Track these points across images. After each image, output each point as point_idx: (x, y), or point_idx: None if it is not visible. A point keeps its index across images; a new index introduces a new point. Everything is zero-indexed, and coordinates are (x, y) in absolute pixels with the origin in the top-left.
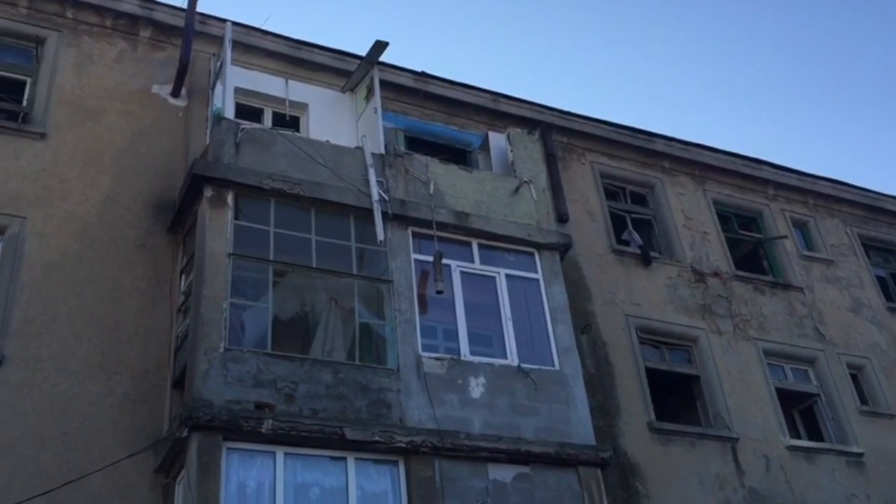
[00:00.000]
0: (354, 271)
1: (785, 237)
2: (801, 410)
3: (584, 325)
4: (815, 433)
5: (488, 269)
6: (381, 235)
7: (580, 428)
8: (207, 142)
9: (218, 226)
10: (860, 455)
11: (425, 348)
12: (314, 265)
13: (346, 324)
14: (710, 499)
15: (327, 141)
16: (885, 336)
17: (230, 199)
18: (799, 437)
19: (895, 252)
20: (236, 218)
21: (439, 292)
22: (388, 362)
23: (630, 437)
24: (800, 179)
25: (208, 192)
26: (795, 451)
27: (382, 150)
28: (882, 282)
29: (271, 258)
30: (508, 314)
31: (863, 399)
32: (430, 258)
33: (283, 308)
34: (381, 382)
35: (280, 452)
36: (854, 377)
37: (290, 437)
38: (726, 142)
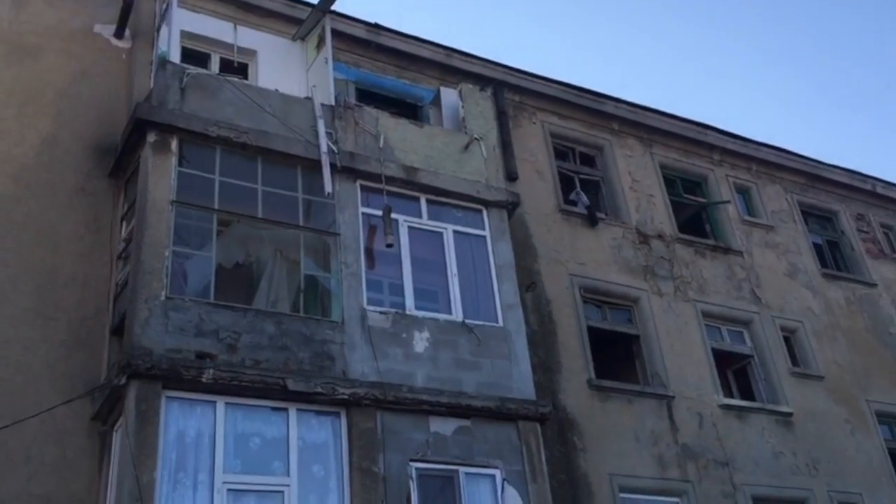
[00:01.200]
0: (301, 223)
1: (728, 202)
2: (735, 371)
3: (529, 282)
4: (747, 393)
5: (436, 225)
6: (328, 187)
7: (521, 383)
8: (151, 86)
9: (161, 172)
10: (789, 415)
11: (370, 302)
12: (260, 215)
13: (291, 275)
14: (644, 454)
15: (276, 90)
16: (818, 301)
17: (174, 145)
18: (732, 396)
19: (832, 220)
20: (180, 165)
21: (389, 246)
22: (332, 315)
23: (570, 393)
24: (744, 146)
25: (151, 138)
26: (728, 410)
27: (332, 102)
28: (818, 248)
29: (216, 207)
30: (454, 270)
31: (794, 361)
32: (378, 212)
33: (227, 258)
34: (325, 335)
35: (221, 402)
36: (787, 340)
37: (232, 388)
38: (675, 106)
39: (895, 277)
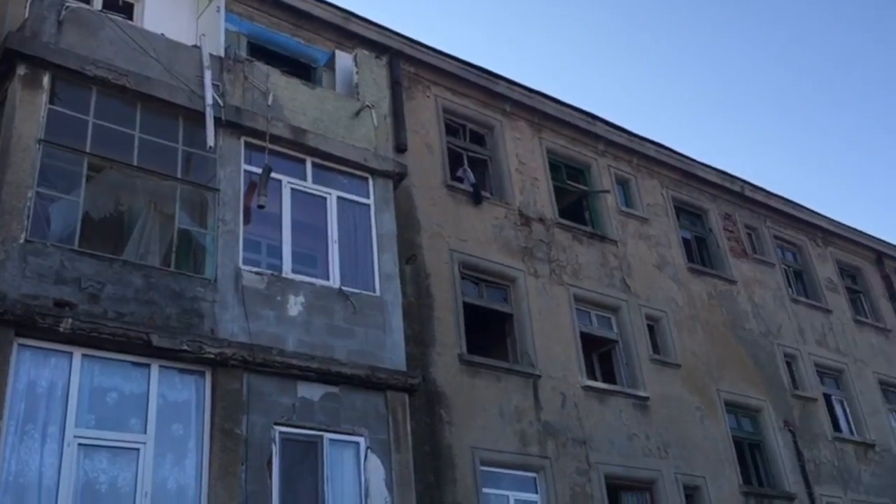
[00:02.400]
0: (179, 175)
1: (607, 192)
2: (600, 354)
3: (409, 255)
4: (609, 376)
5: (320, 189)
6: (211, 141)
7: (393, 353)
8: (26, 16)
9: (29, 108)
10: (646, 399)
11: (246, 262)
12: (135, 163)
13: (164, 228)
14: (507, 429)
15: (162, 34)
16: (682, 293)
17: (46, 80)
18: (595, 379)
19: (702, 217)
20: (51, 102)
21: (261, 206)
22: (205, 272)
23: (440, 367)
24: (628, 139)
25: (21, 70)
26: (589, 391)
27: (222, 53)
28: (687, 243)
29: (87, 150)
30: (335, 236)
31: (655, 348)
32: (261, 170)
33: (96, 205)
34: (196, 292)
35: (78, 354)
36: (651, 328)
37: (91, 339)
38: (566, 94)
39: (753, 276)
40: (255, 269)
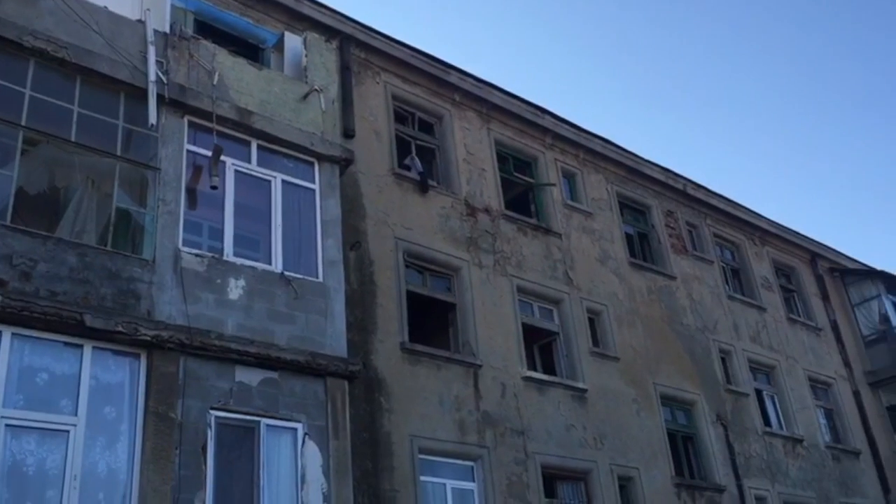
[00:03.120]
0: (118, 152)
1: (553, 185)
2: (540, 346)
3: (353, 241)
4: (549, 368)
5: (265, 172)
6: (153, 118)
7: (334, 340)
8: None
9: None
10: (584, 391)
11: (186, 243)
12: (73, 139)
13: (101, 206)
14: (446, 418)
15: (105, 7)
16: (623, 287)
17: None
18: (535, 370)
19: (645, 213)
20: None
21: (213, 188)
22: (143, 252)
23: (382, 355)
24: (576, 133)
25: None
26: (529, 382)
27: (167, 29)
28: (629, 238)
29: (23, 123)
30: (279, 221)
31: (595, 341)
32: (205, 151)
33: (31, 180)
34: (133, 272)
35: (7, 332)
36: (591, 321)
37: (22, 318)
38: (516, 87)
39: (692, 273)
40: (195, 252)
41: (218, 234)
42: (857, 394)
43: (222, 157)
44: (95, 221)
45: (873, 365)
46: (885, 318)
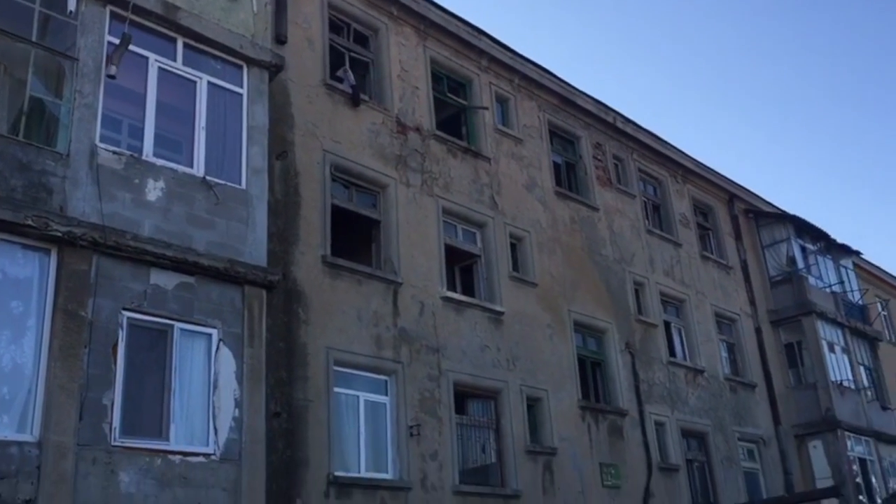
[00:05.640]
0: (34, 38)
1: (486, 108)
2: (461, 267)
3: (280, 151)
4: (469, 289)
5: (190, 73)
6: (72, 5)
7: (254, 248)
8: None
9: None
10: (501, 314)
11: (104, 139)
12: None
13: (14, 94)
14: (363, 333)
15: None
16: (547, 215)
17: None
18: (455, 291)
19: (574, 144)
20: None
21: (111, 77)
22: (57, 145)
23: (302, 267)
24: (512, 58)
25: None
26: (448, 302)
27: None
28: (557, 168)
29: None
30: (203, 123)
31: (515, 266)
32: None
33: None
34: (46, 165)
35: None
36: (513, 246)
37: None
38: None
39: (615, 205)
40: (112, 149)
41: (138, 133)
42: (758, 331)
43: (145, 53)
44: (7, 109)
45: (776, 304)
46: (791, 261)
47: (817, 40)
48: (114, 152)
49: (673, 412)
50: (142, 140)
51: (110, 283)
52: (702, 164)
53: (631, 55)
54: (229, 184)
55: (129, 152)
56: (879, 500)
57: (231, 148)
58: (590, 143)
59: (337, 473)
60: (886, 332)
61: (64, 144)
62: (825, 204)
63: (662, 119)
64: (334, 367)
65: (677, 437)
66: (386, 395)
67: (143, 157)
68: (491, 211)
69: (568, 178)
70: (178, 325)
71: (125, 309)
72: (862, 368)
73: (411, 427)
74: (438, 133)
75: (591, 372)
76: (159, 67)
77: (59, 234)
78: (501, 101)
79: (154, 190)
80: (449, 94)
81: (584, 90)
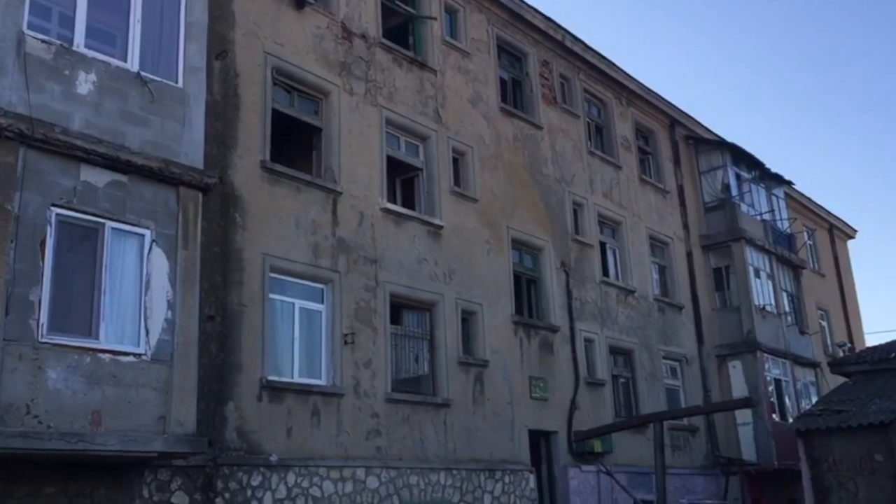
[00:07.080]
0: None
1: (434, 19)
2: (403, 180)
3: (220, 50)
4: (409, 202)
5: None
6: None
7: (191, 150)
8: None
9: None
10: (440, 227)
11: (32, 27)
12: None
13: None
14: (301, 240)
15: None
16: (491, 131)
17: None
18: (395, 203)
19: (521, 60)
20: None
21: None
22: None
23: (240, 171)
24: None
25: None
26: (388, 214)
27: None
28: (503, 84)
29: None
30: (139, 16)
31: (457, 181)
32: None
33: None
34: None
35: None
36: (455, 161)
37: None
38: None
39: (559, 125)
40: (41, 37)
41: (69, 22)
42: (689, 254)
43: None
44: None
45: (709, 230)
46: (726, 188)
47: None
48: (43, 41)
49: (602, 330)
50: (73, 30)
51: (38, 177)
52: (646, 87)
53: None
54: (165, 81)
55: (59, 42)
56: (791, 419)
57: (168, 44)
58: (537, 60)
59: (270, 378)
60: (810, 260)
61: None
62: (769, 136)
63: (617, 48)
64: (270, 273)
65: (605, 354)
66: (322, 303)
67: (74, 48)
68: (435, 124)
69: (514, 95)
70: (109, 223)
71: (54, 205)
72: (784, 294)
73: (346, 335)
74: (385, 41)
75: (526, 288)
76: None
77: None
78: (450, 13)
79: (85, 83)
80: (397, 2)
81: (535, 6)
